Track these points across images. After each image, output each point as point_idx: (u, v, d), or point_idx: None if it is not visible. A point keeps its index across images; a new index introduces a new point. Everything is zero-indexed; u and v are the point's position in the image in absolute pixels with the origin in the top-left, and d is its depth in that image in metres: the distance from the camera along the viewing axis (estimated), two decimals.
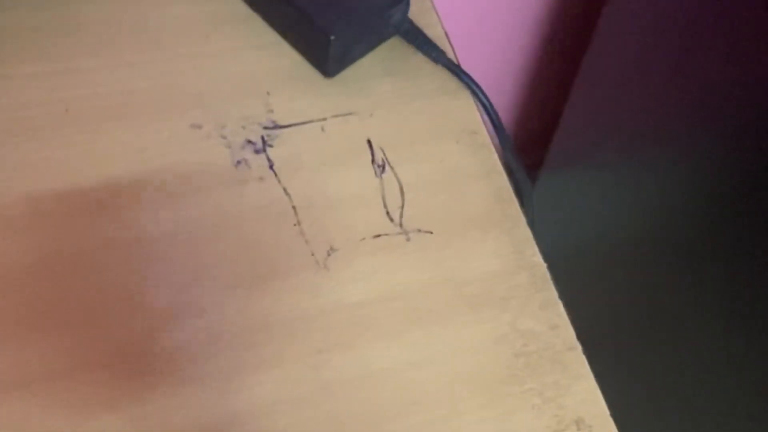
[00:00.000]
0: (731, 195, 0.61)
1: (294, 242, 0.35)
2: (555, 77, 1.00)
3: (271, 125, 0.38)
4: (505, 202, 0.37)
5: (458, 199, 0.37)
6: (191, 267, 0.34)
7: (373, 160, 0.38)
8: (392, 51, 0.41)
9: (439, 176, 0.38)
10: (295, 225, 0.35)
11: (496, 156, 0.38)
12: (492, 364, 0.34)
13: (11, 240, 0.33)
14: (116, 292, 0.33)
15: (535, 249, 0.36)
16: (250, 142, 0.37)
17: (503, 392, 0.33)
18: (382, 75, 0.40)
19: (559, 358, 0.34)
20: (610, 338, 0.83)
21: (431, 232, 0.36)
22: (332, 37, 0.37)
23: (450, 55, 0.40)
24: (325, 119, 0.38)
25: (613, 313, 0.83)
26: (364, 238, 0.36)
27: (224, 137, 0.37)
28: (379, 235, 0.36)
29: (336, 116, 0.38)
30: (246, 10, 0.41)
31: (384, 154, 0.38)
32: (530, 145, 1.08)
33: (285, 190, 0.36)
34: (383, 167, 0.37)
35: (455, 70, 0.40)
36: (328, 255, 0.35)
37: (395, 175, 0.37)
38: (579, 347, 0.34)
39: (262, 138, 0.37)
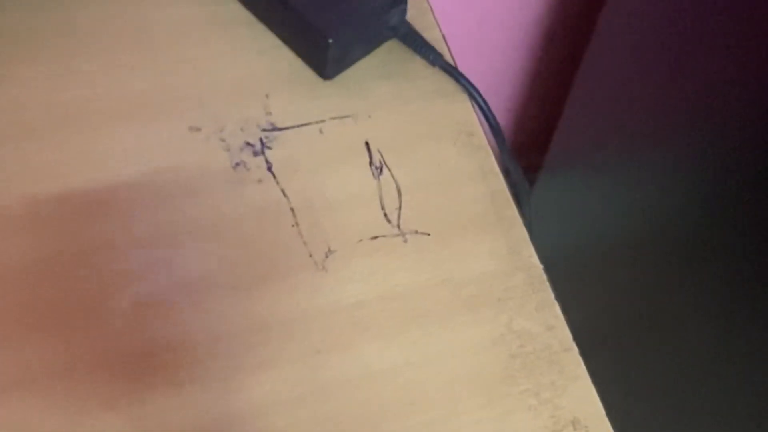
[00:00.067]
0: (732, 197, 0.61)
1: (292, 243, 0.35)
2: (553, 79, 1.00)
3: (269, 127, 0.38)
4: (502, 203, 0.38)
5: (455, 201, 0.37)
6: (191, 268, 0.34)
7: (370, 162, 0.38)
8: (390, 53, 0.41)
9: (437, 178, 0.38)
10: (293, 226, 0.36)
11: (493, 158, 0.39)
12: (489, 364, 0.34)
13: (11, 240, 0.33)
14: (115, 293, 0.33)
15: (532, 250, 0.37)
16: (248, 144, 0.37)
17: (500, 393, 0.33)
18: (380, 77, 0.40)
19: (556, 358, 0.34)
20: (606, 339, 0.84)
21: (428, 234, 0.36)
22: (330, 40, 0.37)
23: (447, 57, 0.41)
24: (323, 121, 0.38)
25: (609, 315, 0.83)
26: (361, 240, 0.36)
27: (223, 139, 0.37)
28: (376, 237, 0.36)
29: (334, 118, 0.39)
30: (245, 13, 0.41)
31: (382, 156, 0.38)
32: (529, 147, 1.08)
33: (283, 191, 0.36)
34: (381, 169, 0.38)
35: (452, 72, 0.40)
36: (326, 256, 0.35)
37: (393, 176, 0.37)
38: (575, 348, 0.35)
39: (261, 140, 0.37)
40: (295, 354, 0.33)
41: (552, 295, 0.36)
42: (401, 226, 0.36)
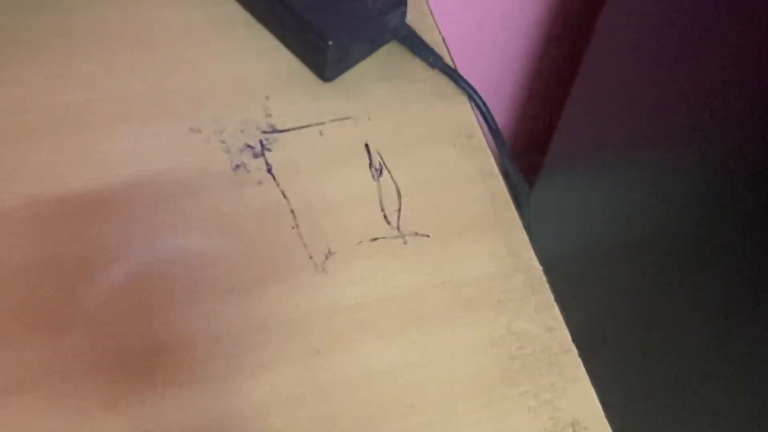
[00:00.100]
0: (732, 199, 0.61)
1: (292, 245, 0.35)
2: (553, 80, 1.00)
3: (269, 129, 0.38)
4: (502, 205, 0.38)
5: (455, 203, 0.37)
6: (190, 270, 0.34)
7: (370, 164, 0.38)
8: (390, 56, 0.41)
9: (436, 180, 0.38)
10: (293, 228, 0.36)
11: (492, 160, 0.39)
12: (488, 366, 0.34)
13: (11, 242, 0.34)
14: (115, 294, 0.33)
15: (531, 252, 0.37)
16: (248, 146, 0.37)
17: (499, 394, 0.33)
18: (380, 79, 0.40)
19: (555, 360, 0.34)
20: (606, 341, 0.84)
21: (428, 236, 0.36)
22: (330, 42, 0.37)
23: (447, 59, 0.41)
24: (323, 123, 0.39)
25: (609, 316, 0.83)
26: (361, 241, 0.36)
27: (223, 141, 0.37)
28: (376, 239, 0.36)
29: (334, 120, 0.39)
30: (245, 15, 0.41)
31: (381, 158, 0.38)
32: (528, 148, 1.08)
33: (283, 193, 0.36)
34: (380, 171, 0.38)
35: (452, 74, 0.40)
36: (326, 258, 0.35)
37: (392, 178, 0.38)
38: (575, 350, 0.35)
39: (261, 142, 0.38)
40: (294, 355, 0.33)
41: (551, 297, 0.36)
42: (401, 228, 0.36)
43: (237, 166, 0.37)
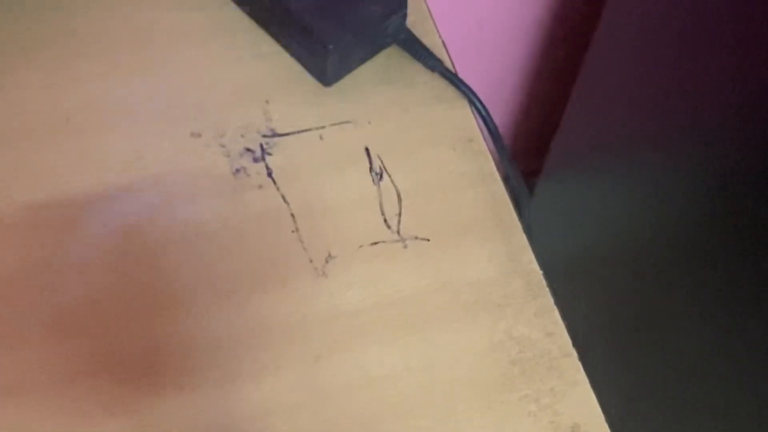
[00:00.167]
0: (734, 204, 0.61)
1: (292, 249, 0.35)
2: (553, 82, 1.00)
3: (269, 133, 0.38)
4: (502, 209, 0.38)
5: (455, 207, 0.37)
6: (190, 274, 0.34)
7: (370, 168, 0.38)
8: (390, 60, 0.41)
9: (436, 183, 0.38)
10: (293, 232, 0.36)
11: (492, 163, 0.39)
12: (488, 370, 0.34)
13: (10, 246, 0.34)
14: (115, 298, 0.33)
15: (531, 256, 0.37)
16: (249, 150, 0.37)
17: (499, 399, 0.33)
18: (380, 83, 0.40)
19: (555, 364, 0.34)
20: (606, 345, 0.84)
21: (428, 240, 0.36)
22: (330, 47, 0.37)
23: (447, 63, 0.41)
24: (323, 127, 0.39)
25: (609, 320, 0.83)
26: (362, 245, 0.36)
27: (223, 145, 0.37)
28: (376, 243, 0.36)
29: (334, 124, 0.39)
30: (245, 19, 0.41)
31: (381, 162, 0.38)
32: (529, 152, 1.08)
33: (284, 197, 0.36)
34: (381, 175, 0.38)
35: (452, 78, 0.40)
36: (327, 262, 0.35)
37: (393, 182, 0.38)
38: (575, 354, 0.35)
39: (261, 146, 0.38)
40: (295, 359, 0.33)
41: (551, 301, 0.36)
42: (401, 232, 0.36)
43: (237, 170, 0.37)
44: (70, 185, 0.35)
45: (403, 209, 0.37)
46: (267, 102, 0.39)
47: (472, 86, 0.40)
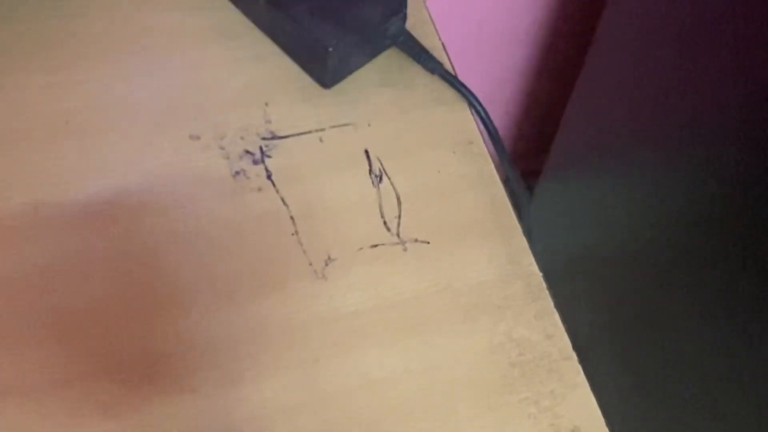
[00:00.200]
0: (735, 206, 0.61)
1: (292, 252, 0.35)
2: (553, 83, 1.00)
3: (269, 136, 0.38)
4: (502, 211, 0.38)
5: (455, 209, 0.37)
6: (190, 276, 0.34)
7: (370, 170, 0.38)
8: (389, 62, 0.41)
9: (436, 186, 0.38)
10: (293, 234, 0.36)
11: (492, 166, 0.39)
12: (488, 372, 0.34)
13: (10, 249, 0.34)
14: (114, 301, 0.33)
15: (531, 258, 0.37)
16: (248, 152, 0.37)
17: (499, 401, 0.33)
18: (380, 86, 0.40)
19: (555, 367, 0.34)
20: (606, 348, 0.84)
21: (428, 242, 0.36)
22: (330, 49, 0.37)
23: (447, 65, 0.41)
24: (323, 130, 0.39)
25: (609, 323, 0.83)
26: (361, 248, 0.36)
27: (223, 148, 0.37)
28: (376, 245, 0.36)
29: (334, 127, 0.39)
30: (245, 22, 0.41)
31: (381, 164, 0.38)
32: (529, 152, 1.08)
33: (283, 200, 0.36)
34: (380, 177, 0.38)
35: (451, 80, 0.40)
36: (326, 264, 0.35)
37: (392, 185, 0.38)
38: (575, 356, 0.35)
39: (261, 148, 0.38)
40: (294, 362, 0.33)
41: (551, 303, 0.36)
42: (401, 235, 0.36)
43: (237, 173, 0.37)
44: (69, 186, 0.35)
45: (403, 212, 0.37)
46: (266, 104, 0.39)
47: (472, 87, 0.40)
